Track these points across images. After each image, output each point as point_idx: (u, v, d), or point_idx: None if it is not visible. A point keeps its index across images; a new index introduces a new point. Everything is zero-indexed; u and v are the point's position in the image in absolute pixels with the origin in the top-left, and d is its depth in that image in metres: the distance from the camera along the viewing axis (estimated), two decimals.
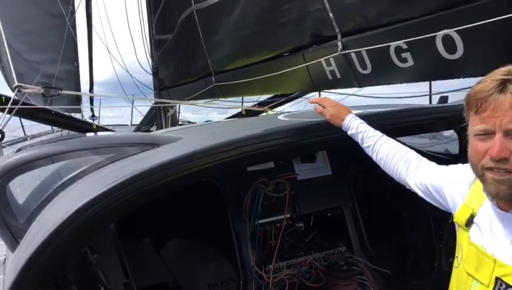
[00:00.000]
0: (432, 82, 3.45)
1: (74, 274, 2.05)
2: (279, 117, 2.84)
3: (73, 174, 1.97)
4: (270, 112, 4.74)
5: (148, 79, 6.22)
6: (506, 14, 1.32)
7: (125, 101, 9.87)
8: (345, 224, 2.94)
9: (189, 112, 8.70)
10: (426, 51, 1.66)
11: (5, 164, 1.91)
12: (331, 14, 2.04)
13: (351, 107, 1.97)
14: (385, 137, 1.75)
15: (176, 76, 4.87)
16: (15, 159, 1.94)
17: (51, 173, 2.19)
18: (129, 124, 10.38)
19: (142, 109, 8.51)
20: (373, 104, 3.53)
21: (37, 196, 2.02)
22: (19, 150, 2.55)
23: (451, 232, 1.36)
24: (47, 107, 3.91)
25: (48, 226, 1.52)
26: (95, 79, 9.28)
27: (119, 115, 10.83)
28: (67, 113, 5.67)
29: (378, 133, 1.77)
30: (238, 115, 5.79)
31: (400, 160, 1.63)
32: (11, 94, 3.36)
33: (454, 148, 3.04)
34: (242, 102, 6.58)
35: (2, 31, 5.78)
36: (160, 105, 5.56)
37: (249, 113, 5.09)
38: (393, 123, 2.07)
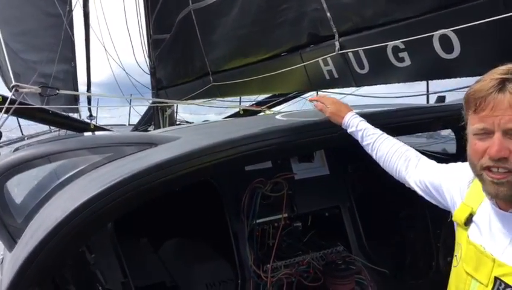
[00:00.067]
0: (429, 82, 3.47)
1: (72, 274, 2.05)
2: (277, 117, 2.84)
3: (70, 173, 1.97)
4: (267, 112, 4.74)
5: (146, 79, 6.23)
6: (502, 14, 1.33)
7: (122, 102, 9.85)
8: (343, 223, 2.95)
9: (187, 112, 8.70)
10: (423, 50, 1.67)
11: (3, 163, 1.91)
12: (328, 14, 2.05)
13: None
14: (385, 135, 1.75)
15: (173, 76, 4.87)
16: (12, 159, 1.93)
17: (49, 172, 2.18)
18: (127, 124, 10.37)
19: (140, 109, 8.51)
20: (370, 103, 3.54)
21: (34, 195, 2.02)
22: (17, 149, 2.55)
23: (449, 232, 1.36)
24: (44, 106, 3.90)
25: (46, 226, 1.52)
26: (92, 80, 9.30)
27: (116, 115, 10.82)
28: (64, 113, 5.67)
29: (378, 131, 1.77)
30: (235, 115, 5.79)
31: (399, 158, 1.64)
32: (8, 94, 3.36)
33: (451, 148, 3.05)
34: (240, 102, 6.58)
35: None
36: (157, 105, 5.56)
37: (246, 112, 5.09)
38: (390, 123, 2.08)
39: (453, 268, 1.28)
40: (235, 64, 3.24)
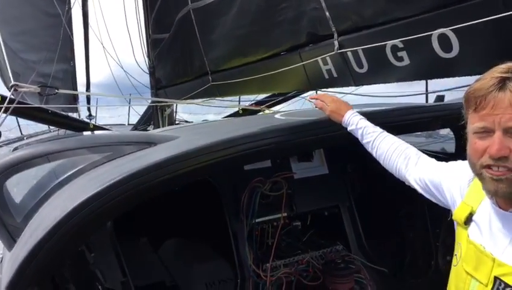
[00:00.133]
0: (428, 81, 3.48)
1: (71, 273, 2.05)
2: (276, 116, 2.84)
3: (70, 172, 1.97)
4: (267, 111, 4.74)
5: (145, 79, 6.23)
6: (501, 13, 1.33)
7: (122, 101, 9.85)
8: (342, 222, 2.95)
9: (186, 112, 8.70)
10: (422, 49, 1.67)
11: (2, 163, 1.91)
12: (327, 13, 2.05)
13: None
14: (385, 133, 1.75)
15: (172, 75, 4.87)
16: (11, 158, 1.93)
17: (48, 171, 2.18)
18: (126, 124, 10.36)
19: (139, 109, 8.51)
20: (370, 103, 3.54)
21: (34, 194, 2.02)
22: (16, 149, 2.55)
23: (448, 231, 1.37)
24: (43, 106, 3.90)
25: (45, 225, 1.52)
26: (91, 81, 9.29)
27: (115, 115, 10.81)
28: (64, 113, 5.66)
29: (378, 129, 1.77)
30: (235, 115, 5.79)
31: (399, 156, 1.63)
32: (7, 93, 3.35)
33: (450, 147, 3.05)
34: (239, 101, 6.58)
35: None
36: (157, 104, 5.56)
37: (245, 112, 5.09)
38: (389, 122, 2.08)
39: (452, 267, 1.28)
40: (234, 63, 3.24)
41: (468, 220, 1.22)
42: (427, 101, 3.87)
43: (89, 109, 9.09)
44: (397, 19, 1.74)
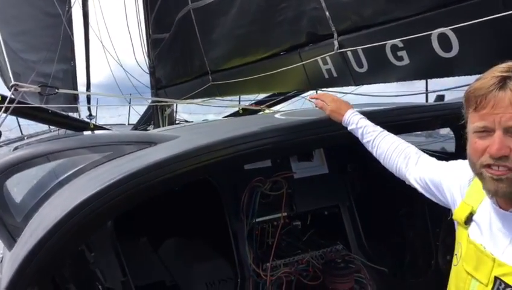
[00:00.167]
0: (429, 81, 3.47)
1: (72, 272, 2.05)
2: (276, 115, 2.84)
3: (70, 172, 1.97)
4: (267, 111, 4.74)
5: (145, 79, 6.23)
6: (501, 13, 1.33)
7: (122, 101, 9.86)
8: (342, 222, 2.95)
9: (186, 112, 8.70)
10: (422, 49, 1.67)
11: (2, 163, 1.91)
12: (327, 13, 2.05)
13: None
14: (385, 132, 1.75)
15: (172, 75, 4.87)
16: (12, 158, 1.93)
17: (48, 171, 2.19)
18: (126, 124, 10.36)
19: (139, 109, 8.51)
20: (370, 102, 3.54)
21: (34, 194, 2.02)
22: (16, 148, 2.55)
23: (449, 230, 1.36)
24: (43, 106, 3.89)
25: (45, 225, 1.52)
26: (91, 81, 9.29)
27: (116, 115, 10.81)
28: (64, 113, 5.66)
29: (378, 129, 1.77)
30: (235, 114, 5.79)
31: (399, 155, 1.63)
32: (7, 93, 3.36)
33: (450, 147, 3.05)
34: (239, 101, 6.58)
35: None
36: (157, 104, 5.56)
37: (246, 112, 5.08)
38: (389, 121, 2.08)
39: (453, 267, 1.27)
40: (234, 63, 3.24)
41: (469, 220, 1.21)
42: (427, 100, 3.87)
43: (89, 109, 9.10)
44: (397, 19, 1.74)
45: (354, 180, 3.06)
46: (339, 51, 2.05)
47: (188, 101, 4.51)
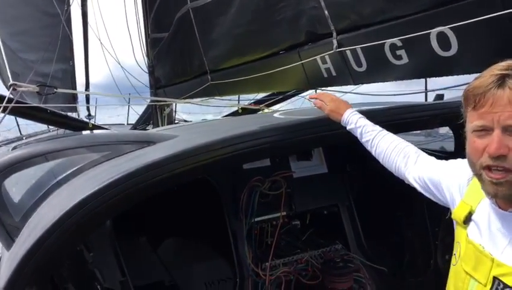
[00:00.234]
0: (428, 80, 3.47)
1: (70, 272, 2.04)
2: (275, 115, 2.84)
3: (68, 172, 1.97)
4: (266, 110, 4.74)
5: (144, 79, 6.22)
6: (500, 11, 1.32)
7: (121, 101, 9.85)
8: (341, 222, 2.95)
9: (185, 112, 8.68)
10: (421, 48, 1.66)
11: (0, 162, 1.91)
12: (326, 12, 2.04)
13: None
14: (384, 131, 1.74)
15: (171, 75, 4.87)
16: (10, 157, 1.93)
17: (47, 170, 2.18)
18: (125, 124, 10.35)
19: (139, 109, 8.51)
20: (369, 102, 3.54)
21: (32, 193, 2.01)
22: (15, 148, 2.55)
23: (448, 230, 1.36)
24: (41, 105, 3.89)
25: (43, 224, 1.52)
26: (90, 81, 9.28)
27: (114, 115, 10.80)
28: (63, 112, 5.65)
29: (377, 128, 1.76)
30: (234, 114, 5.79)
31: (398, 154, 1.62)
32: (6, 93, 3.35)
33: (449, 146, 3.05)
34: (238, 100, 6.57)
35: None
36: (156, 103, 5.56)
37: (245, 111, 5.08)
38: (388, 120, 2.08)
39: (451, 267, 1.27)
40: (233, 62, 3.23)
41: (468, 220, 1.21)
42: (426, 99, 3.87)
43: (88, 109, 9.09)
44: (396, 18, 1.74)
45: (353, 179, 3.05)
46: (337, 50, 2.04)
47: (187, 100, 4.51)
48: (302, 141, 2.02)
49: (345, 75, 2.13)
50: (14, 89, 3.18)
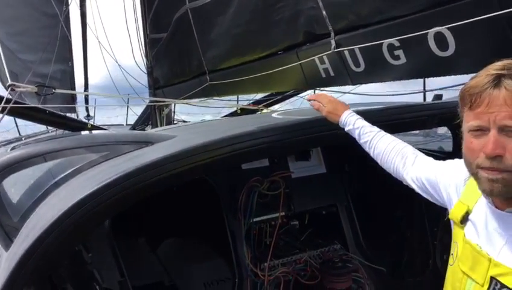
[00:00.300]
0: (427, 80, 3.47)
1: (69, 273, 2.05)
2: (273, 115, 2.85)
3: (67, 172, 1.97)
4: (264, 111, 4.74)
5: (143, 80, 6.21)
6: (496, 11, 1.33)
7: (120, 102, 9.83)
8: (340, 222, 2.95)
9: (184, 113, 8.68)
10: (418, 48, 1.67)
11: None
12: (324, 12, 2.05)
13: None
14: (382, 132, 1.75)
15: (170, 75, 4.87)
16: (8, 158, 1.93)
17: (45, 171, 2.18)
18: (124, 124, 10.34)
19: (138, 110, 8.49)
20: (368, 102, 3.55)
21: (30, 194, 2.02)
22: (13, 148, 2.55)
23: (446, 230, 1.36)
24: (39, 106, 3.88)
25: (42, 224, 1.52)
26: (89, 82, 9.26)
27: (113, 115, 10.79)
28: (61, 113, 5.65)
29: (375, 129, 1.76)
30: (233, 115, 5.79)
31: (396, 155, 1.63)
32: (4, 94, 3.35)
33: (448, 146, 3.06)
34: (237, 101, 6.57)
35: None
36: (155, 104, 5.55)
37: (243, 112, 5.09)
38: (386, 120, 2.08)
39: (449, 267, 1.27)
40: (231, 63, 3.24)
41: (465, 220, 1.21)
42: (424, 99, 3.87)
43: (87, 109, 9.07)
44: (393, 18, 1.74)
45: (351, 179, 3.05)
46: (336, 50, 2.04)
47: (186, 101, 4.51)
48: (300, 141, 2.03)
49: (343, 75, 2.14)
50: (12, 90, 3.18)
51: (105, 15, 8.78)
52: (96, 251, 2.30)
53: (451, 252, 1.26)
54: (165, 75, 5.07)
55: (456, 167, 1.32)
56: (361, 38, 1.90)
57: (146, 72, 5.75)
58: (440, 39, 1.57)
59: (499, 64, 1.04)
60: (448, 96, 3.24)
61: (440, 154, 2.90)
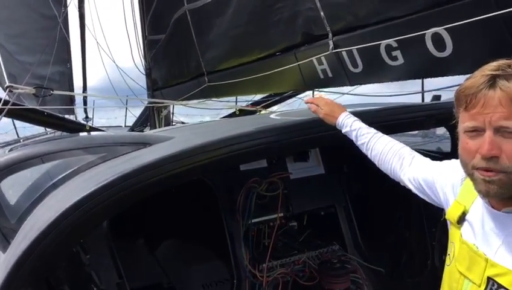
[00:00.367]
0: (425, 80, 3.47)
1: (66, 274, 2.04)
2: (271, 116, 2.85)
3: (64, 173, 1.97)
4: (263, 112, 4.74)
5: (142, 81, 6.21)
6: (494, 12, 1.33)
7: (118, 103, 9.82)
8: (338, 222, 2.95)
9: (183, 115, 8.68)
10: (416, 49, 1.67)
11: None
12: (322, 13, 2.05)
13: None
14: (379, 134, 1.75)
15: (168, 76, 4.87)
16: (6, 159, 1.93)
17: (43, 172, 2.18)
18: (123, 126, 10.34)
19: (136, 112, 8.50)
20: (366, 102, 3.55)
21: (28, 195, 2.01)
22: (11, 150, 2.54)
23: (444, 230, 1.36)
24: (37, 107, 3.88)
25: (39, 226, 1.52)
26: (88, 84, 9.25)
27: (112, 117, 10.79)
28: (60, 115, 5.64)
29: (372, 130, 1.77)
30: (231, 116, 5.79)
31: (393, 156, 1.63)
32: (2, 95, 3.35)
33: (446, 147, 3.06)
34: (236, 102, 6.58)
35: None
36: (153, 105, 5.55)
37: (242, 113, 5.09)
38: (383, 121, 2.09)
39: (446, 267, 1.27)
40: (230, 64, 3.24)
41: (461, 220, 1.21)
42: (423, 100, 3.87)
43: (85, 111, 9.07)
44: (391, 19, 1.75)
45: (350, 180, 3.06)
46: (333, 51, 2.05)
47: (184, 102, 4.51)
48: (299, 142, 2.03)
49: (341, 76, 2.14)
50: (10, 91, 3.18)
51: (103, 16, 8.81)
52: (94, 253, 2.30)
53: (448, 252, 1.26)
54: (164, 76, 5.07)
55: (453, 167, 1.32)
56: (359, 39, 1.90)
57: (144, 73, 5.74)
58: (437, 40, 1.57)
59: (493, 64, 1.04)
60: (446, 96, 3.24)
61: (438, 155, 2.90)
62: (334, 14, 2.03)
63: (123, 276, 2.40)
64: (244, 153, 1.85)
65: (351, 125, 1.81)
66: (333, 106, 1.94)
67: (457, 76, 1.67)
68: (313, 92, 3.39)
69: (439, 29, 1.54)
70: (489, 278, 1.06)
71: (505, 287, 1.02)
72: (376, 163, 1.72)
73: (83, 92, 9.10)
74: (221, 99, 4.84)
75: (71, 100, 8.49)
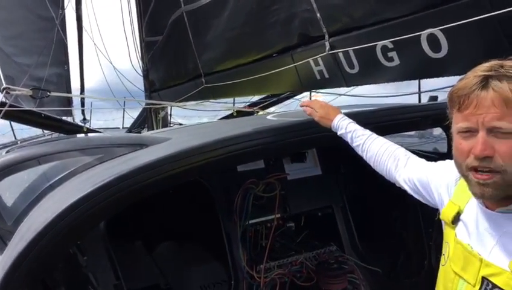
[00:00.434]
0: (422, 81, 3.49)
1: (63, 276, 2.03)
2: (268, 117, 2.84)
3: (61, 175, 1.97)
4: (260, 113, 4.75)
5: (139, 83, 6.22)
6: (489, 13, 1.34)
7: (115, 105, 9.82)
8: (336, 223, 2.95)
9: (180, 116, 8.68)
10: (412, 50, 1.68)
11: None
12: (318, 14, 2.06)
13: (339, 108, 1.99)
14: (374, 135, 1.76)
15: (166, 78, 4.88)
16: (3, 161, 1.93)
17: (39, 174, 2.18)
18: (120, 127, 10.33)
19: (134, 113, 8.49)
20: (363, 103, 3.56)
21: (25, 197, 2.01)
22: (8, 151, 2.54)
23: (441, 230, 1.36)
24: (34, 109, 3.87)
25: (35, 227, 1.51)
26: (85, 86, 9.25)
27: (110, 118, 10.78)
28: (57, 116, 5.64)
29: (367, 132, 1.78)
30: (229, 117, 5.80)
31: (389, 158, 1.63)
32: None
33: (442, 147, 3.07)
34: (234, 103, 6.58)
35: None
36: (151, 106, 5.55)
37: (239, 114, 5.09)
38: (379, 121, 2.09)
39: (441, 267, 1.27)
40: (227, 65, 3.25)
41: (456, 220, 1.21)
42: (420, 101, 3.89)
43: (83, 112, 9.06)
44: (387, 20, 1.76)
45: (347, 181, 3.06)
46: (330, 52, 2.06)
47: (182, 103, 4.51)
48: (295, 143, 2.03)
49: (338, 77, 2.15)
50: (7, 93, 3.18)
51: (101, 18, 8.80)
52: (91, 254, 2.29)
53: (443, 252, 1.26)
54: (161, 78, 5.08)
55: (447, 168, 1.32)
56: (355, 40, 1.91)
57: (142, 75, 5.74)
58: (433, 41, 1.58)
59: (486, 65, 1.04)
60: (443, 97, 3.25)
61: (435, 156, 2.91)
62: (330, 15, 2.04)
63: (120, 277, 2.39)
64: (241, 154, 1.86)
65: (346, 128, 1.82)
66: (328, 109, 1.95)
67: (453, 77, 1.68)
68: (310, 93, 3.39)
69: (434, 30, 1.55)
70: (483, 278, 1.06)
71: (499, 287, 1.02)
72: (372, 164, 1.73)
73: (81, 93, 9.09)
74: (218, 100, 4.84)
75: (68, 102, 8.48)
